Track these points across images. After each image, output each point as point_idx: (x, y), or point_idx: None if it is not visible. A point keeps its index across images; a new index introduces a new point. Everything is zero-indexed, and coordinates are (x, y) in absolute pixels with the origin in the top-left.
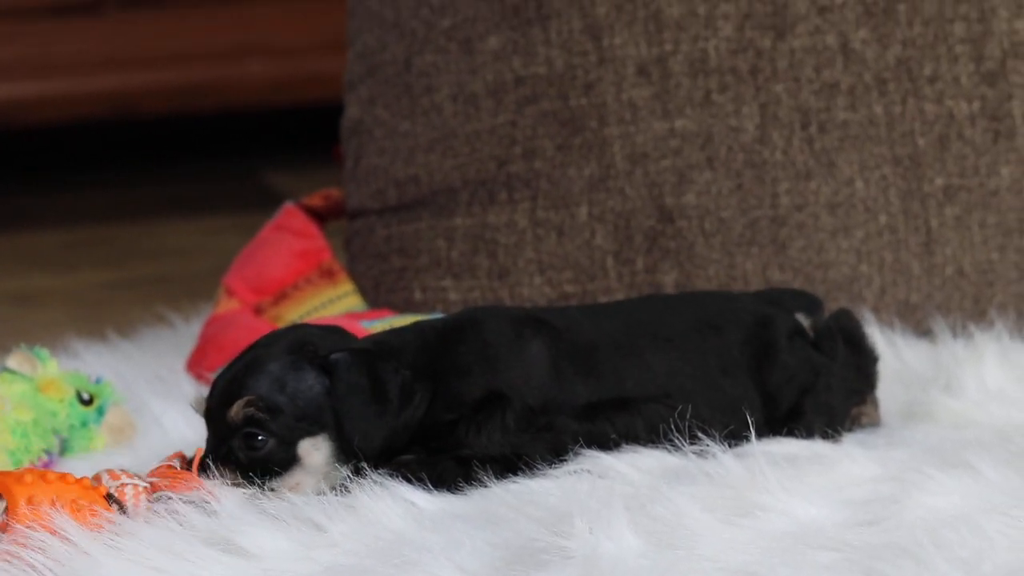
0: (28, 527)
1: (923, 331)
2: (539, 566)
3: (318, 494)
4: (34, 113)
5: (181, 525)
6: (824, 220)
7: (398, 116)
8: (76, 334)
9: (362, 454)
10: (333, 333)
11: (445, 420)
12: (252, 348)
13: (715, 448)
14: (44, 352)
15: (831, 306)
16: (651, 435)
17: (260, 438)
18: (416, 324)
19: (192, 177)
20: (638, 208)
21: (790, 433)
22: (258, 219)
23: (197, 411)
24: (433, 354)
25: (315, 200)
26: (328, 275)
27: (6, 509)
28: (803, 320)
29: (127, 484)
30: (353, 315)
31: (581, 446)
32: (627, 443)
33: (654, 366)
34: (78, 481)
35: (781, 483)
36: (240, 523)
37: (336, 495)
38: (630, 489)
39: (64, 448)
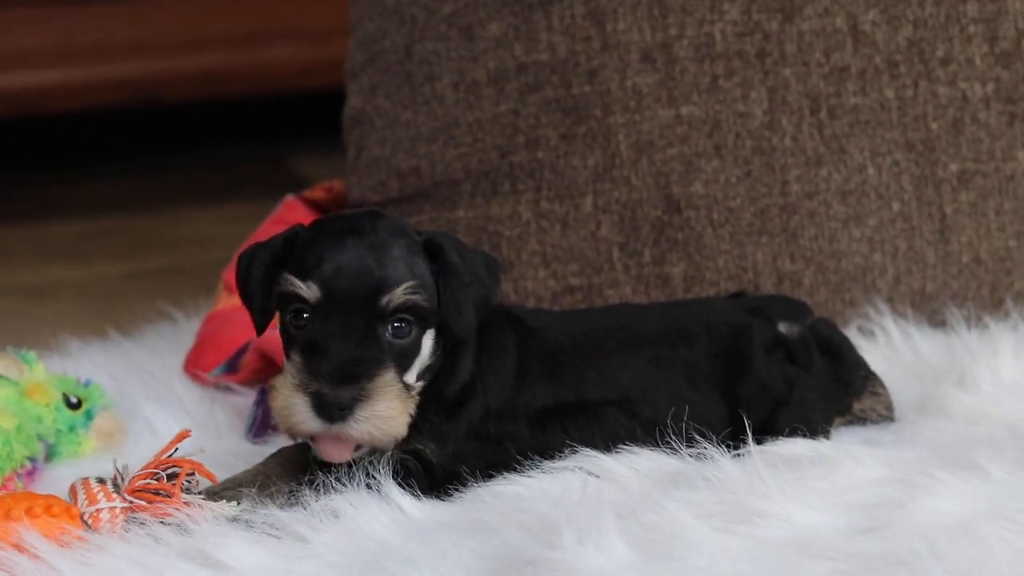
0: None
1: (937, 322)
2: None
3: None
4: (57, 100)
5: (157, 540)
6: (836, 208)
7: (399, 105)
8: (77, 332)
9: (461, 335)
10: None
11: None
12: (354, 230)
13: (713, 451)
14: (31, 355)
15: (844, 296)
16: (607, 441)
17: (406, 326)
18: None
19: (217, 164)
20: (644, 198)
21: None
22: None
23: (308, 297)
24: None
25: (317, 193)
26: None
27: None
28: (787, 328)
29: (103, 509)
30: None
31: (529, 458)
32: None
33: (616, 371)
34: (47, 510)
35: (781, 488)
36: (218, 536)
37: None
38: (622, 496)
39: (51, 454)
